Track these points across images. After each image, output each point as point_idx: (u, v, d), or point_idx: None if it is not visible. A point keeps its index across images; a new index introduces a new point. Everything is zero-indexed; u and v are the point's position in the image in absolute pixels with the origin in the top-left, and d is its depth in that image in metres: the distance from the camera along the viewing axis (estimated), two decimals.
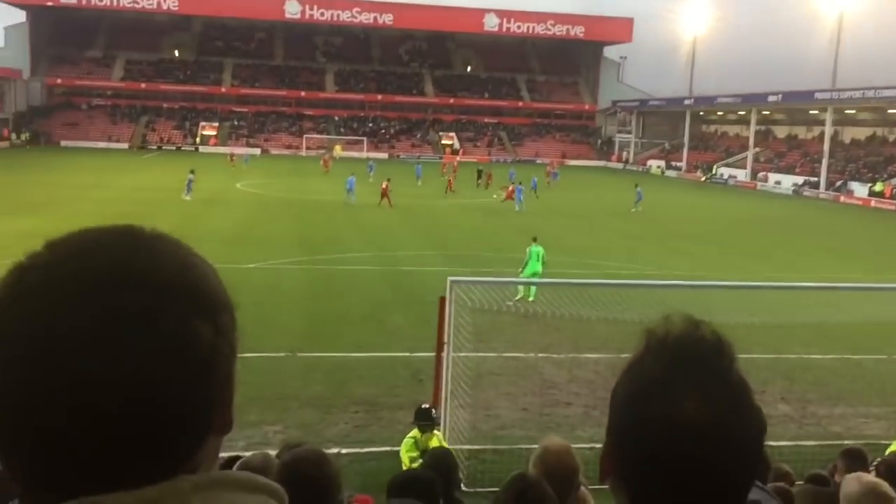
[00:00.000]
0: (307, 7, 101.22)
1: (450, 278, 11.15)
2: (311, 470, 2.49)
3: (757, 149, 79.84)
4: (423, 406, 9.27)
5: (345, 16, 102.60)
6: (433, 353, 11.24)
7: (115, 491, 0.85)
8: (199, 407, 0.90)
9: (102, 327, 0.85)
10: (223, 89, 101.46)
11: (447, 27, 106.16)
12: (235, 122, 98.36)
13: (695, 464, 1.14)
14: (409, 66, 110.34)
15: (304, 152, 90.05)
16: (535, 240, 21.26)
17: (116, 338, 0.85)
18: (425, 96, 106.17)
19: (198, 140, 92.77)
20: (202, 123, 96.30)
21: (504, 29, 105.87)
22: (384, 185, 41.24)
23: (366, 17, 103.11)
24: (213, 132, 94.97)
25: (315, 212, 38.16)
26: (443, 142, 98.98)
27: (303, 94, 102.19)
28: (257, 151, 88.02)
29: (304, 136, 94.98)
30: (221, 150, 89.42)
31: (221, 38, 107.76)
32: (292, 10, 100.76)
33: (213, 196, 40.47)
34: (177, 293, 0.89)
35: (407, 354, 15.55)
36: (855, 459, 5.79)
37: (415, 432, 8.83)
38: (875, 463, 6.84)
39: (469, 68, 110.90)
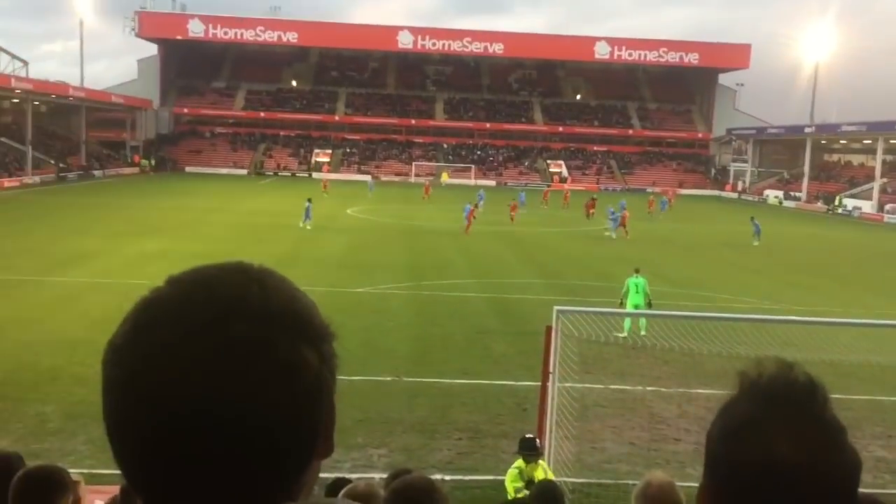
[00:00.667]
0: (419, 37, 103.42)
1: (556, 307, 11.04)
2: (421, 497, 2.51)
3: (884, 179, 75.89)
4: (527, 436, 9.17)
5: (456, 45, 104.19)
6: (538, 383, 11.13)
7: None
8: (307, 431, 0.97)
9: (222, 356, 0.92)
10: (337, 117, 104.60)
11: (557, 55, 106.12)
12: (348, 150, 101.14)
13: (787, 502, 1.15)
14: (518, 94, 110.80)
15: (412, 179, 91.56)
16: (637, 271, 20.64)
17: (235, 366, 0.92)
18: (534, 124, 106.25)
19: (311, 166, 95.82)
20: (316, 150, 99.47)
21: (615, 56, 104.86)
22: (471, 210, 41.38)
23: (476, 47, 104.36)
24: (327, 159, 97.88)
25: (423, 238, 38.63)
26: (551, 169, 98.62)
27: (413, 121, 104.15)
28: (376, 179, 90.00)
29: (414, 163, 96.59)
30: (333, 176, 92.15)
31: (336, 68, 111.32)
32: (405, 40, 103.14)
33: (324, 222, 41.62)
34: (286, 323, 0.96)
35: (512, 383, 15.46)
36: None
37: (519, 462, 8.74)
38: None
39: (579, 96, 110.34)
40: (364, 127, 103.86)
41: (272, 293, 0.98)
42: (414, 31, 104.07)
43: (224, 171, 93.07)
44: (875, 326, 15.31)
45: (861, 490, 1.27)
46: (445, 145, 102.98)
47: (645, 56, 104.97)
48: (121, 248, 30.12)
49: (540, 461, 8.89)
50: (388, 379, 15.36)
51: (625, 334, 18.63)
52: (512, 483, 8.55)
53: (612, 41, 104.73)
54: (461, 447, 12.15)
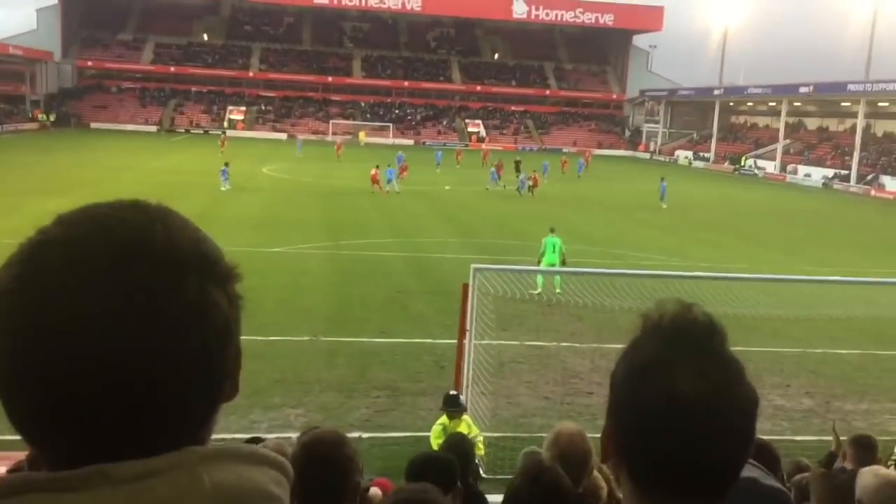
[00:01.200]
0: None
1: (473, 265, 11.14)
2: (329, 451, 2.51)
3: (787, 141, 78.86)
4: (450, 392, 9.28)
5: (373, 1, 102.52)
6: (455, 341, 11.26)
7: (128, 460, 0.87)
8: (217, 374, 0.93)
9: (126, 301, 0.86)
10: (251, 74, 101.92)
11: (475, 14, 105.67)
12: (263, 107, 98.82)
13: (692, 437, 1.19)
14: (436, 52, 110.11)
15: (330, 137, 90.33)
16: (552, 230, 20.92)
17: (141, 311, 0.86)
18: (452, 83, 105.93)
19: (225, 124, 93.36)
20: (230, 108, 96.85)
21: (532, 16, 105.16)
22: (373, 172, 40.75)
23: (394, 3, 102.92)
24: (241, 116, 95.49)
25: (341, 198, 38.28)
26: (469, 129, 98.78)
27: (330, 79, 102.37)
28: (295, 138, 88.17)
29: (331, 121, 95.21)
30: (247, 134, 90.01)
31: (250, 22, 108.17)
32: None
33: (241, 181, 40.70)
34: (195, 265, 0.91)
35: (430, 341, 15.59)
36: (864, 447, 5.77)
37: (443, 419, 8.86)
38: (895, 459, 6.79)
39: (496, 56, 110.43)
40: (279, 84, 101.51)
41: (177, 233, 0.92)
42: None
43: (132, 127, 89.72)
44: (775, 282, 16.00)
45: (758, 436, 1.33)
46: (363, 104, 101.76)
47: (562, 16, 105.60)
48: (20, 207, 28.81)
49: (464, 417, 9.05)
50: (306, 339, 15.28)
51: (539, 290, 18.99)
52: (436, 439, 8.67)
53: (529, 1, 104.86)
54: (379, 405, 12.23)
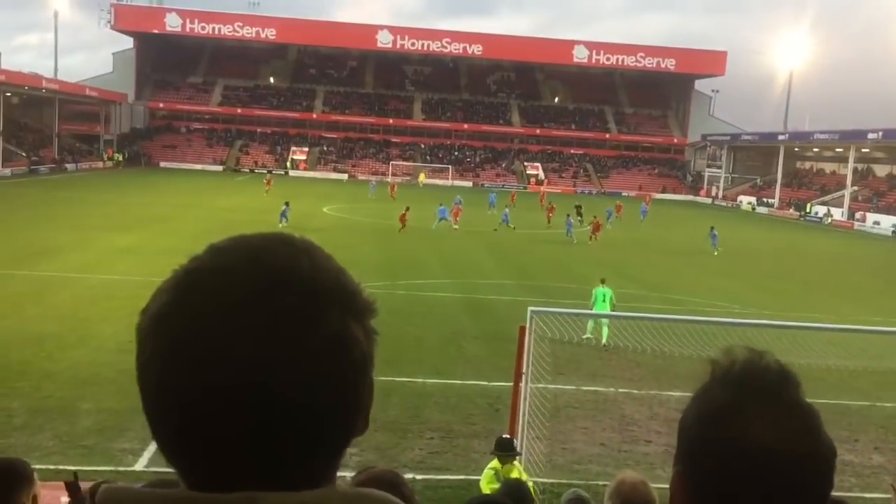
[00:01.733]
0: (398, 37, 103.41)
1: (530, 308, 11.08)
2: (387, 490, 2.50)
3: (855, 187, 76.99)
4: (504, 436, 9.16)
5: (435, 46, 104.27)
6: (510, 384, 11.15)
7: (271, 490, 0.88)
8: (353, 408, 0.95)
9: (271, 327, 0.87)
10: (314, 115, 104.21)
11: (536, 58, 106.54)
12: (325, 148, 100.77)
13: (767, 488, 1.14)
14: (496, 95, 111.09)
15: (389, 178, 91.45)
16: (603, 281, 20.17)
17: (285, 338, 0.88)
18: (511, 126, 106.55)
19: (288, 164, 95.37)
20: (293, 148, 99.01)
21: (593, 60, 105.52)
22: (403, 213, 40.71)
23: (455, 48, 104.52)
24: (303, 157, 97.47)
25: (398, 238, 38.59)
26: (527, 172, 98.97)
27: (391, 121, 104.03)
28: (380, 179, 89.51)
29: (391, 162, 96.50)
30: (310, 174, 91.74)
31: (315, 65, 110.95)
32: (384, 39, 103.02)
33: (301, 220, 41.42)
34: (337, 297, 0.94)
35: (484, 383, 15.48)
36: None
37: (495, 463, 8.73)
38: None
39: (556, 99, 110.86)
40: (341, 125, 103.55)
41: (321, 265, 0.95)
42: (393, 30, 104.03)
43: (199, 167, 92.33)
44: (842, 331, 15.52)
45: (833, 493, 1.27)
46: (423, 145, 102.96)
47: (622, 61, 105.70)
48: (92, 242, 29.77)
49: (515, 462, 8.90)
50: None
51: (588, 335, 18.60)
52: (488, 484, 8.54)
53: (590, 45, 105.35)
54: (433, 446, 12.15)
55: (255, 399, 0.86)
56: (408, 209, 41.41)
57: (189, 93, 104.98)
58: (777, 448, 1.15)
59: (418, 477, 10.67)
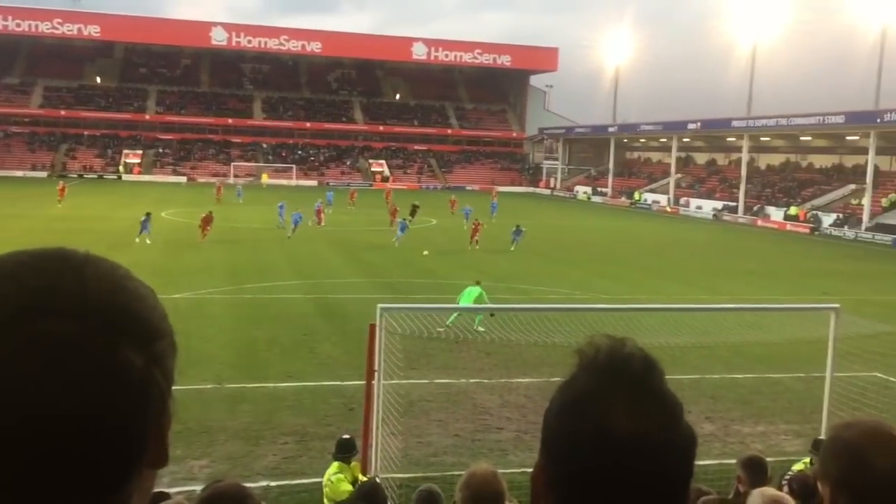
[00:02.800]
0: (234, 34, 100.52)
1: (379, 305, 11.12)
2: None
3: (678, 175, 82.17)
4: (344, 437, 9.14)
5: (272, 43, 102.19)
6: (364, 382, 11.16)
7: None
8: (129, 439, 0.86)
9: (25, 355, 0.81)
10: (147, 116, 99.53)
11: (375, 55, 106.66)
12: (160, 150, 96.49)
13: (626, 474, 1.13)
14: (338, 93, 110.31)
15: (231, 180, 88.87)
16: (478, 283, 20.35)
17: (40, 367, 0.81)
18: (355, 123, 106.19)
19: (121, 168, 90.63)
20: (125, 151, 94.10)
21: (432, 57, 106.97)
22: (205, 216, 37.32)
23: (294, 45, 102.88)
24: (137, 160, 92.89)
25: (242, 240, 37.60)
26: (372, 169, 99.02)
27: (230, 121, 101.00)
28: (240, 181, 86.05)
29: (232, 163, 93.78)
30: (145, 178, 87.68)
31: (146, 64, 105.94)
32: (219, 37, 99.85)
33: (137, 225, 39.47)
34: (105, 318, 0.85)
35: (338, 383, 15.41)
36: (755, 469, 5.99)
37: (337, 466, 8.66)
38: (787, 479, 7.08)
39: (398, 96, 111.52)
40: (177, 126, 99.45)
41: (91, 283, 0.86)
42: (228, 27, 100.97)
43: (20, 173, 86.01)
44: (672, 311, 16.58)
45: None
46: (265, 145, 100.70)
47: (461, 57, 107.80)
48: None
49: (354, 462, 8.90)
50: (209, 386, 14.85)
51: (448, 324, 18.85)
52: (340, 484, 8.49)
53: (428, 42, 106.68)
54: (287, 451, 11.97)
55: (5, 435, 0.79)
56: (210, 213, 37.92)
57: (5, 94, 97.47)
58: (637, 437, 1.14)
59: (273, 484, 10.49)
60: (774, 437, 13.55)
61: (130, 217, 38.68)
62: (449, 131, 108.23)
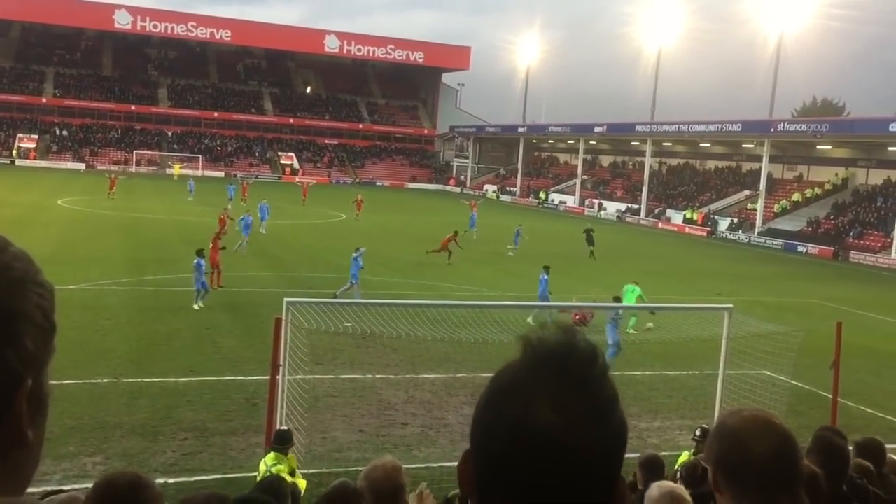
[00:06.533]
0: (139, 18, 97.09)
1: (286, 299, 10.98)
2: (126, 493, 2.36)
3: (584, 176, 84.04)
4: (281, 428, 9.14)
5: (180, 29, 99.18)
6: (268, 377, 11.01)
7: None
8: None
9: None
10: (44, 99, 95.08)
11: (287, 46, 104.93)
12: (58, 134, 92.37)
13: (544, 468, 1.09)
14: (247, 83, 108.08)
15: (133, 168, 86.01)
16: (636, 282, 22.01)
17: None
18: (264, 115, 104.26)
19: (14, 153, 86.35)
20: (20, 135, 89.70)
21: (345, 51, 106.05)
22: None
23: (202, 32, 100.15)
24: (32, 145, 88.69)
25: (144, 231, 36.45)
26: (282, 161, 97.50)
27: (133, 107, 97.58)
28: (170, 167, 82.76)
29: (135, 151, 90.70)
30: (41, 164, 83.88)
31: (43, 44, 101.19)
32: (123, 20, 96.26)
33: (32, 213, 37.78)
34: None
35: (241, 378, 15.14)
36: (650, 468, 6.22)
37: (271, 457, 8.60)
38: (677, 469, 7.39)
39: (309, 89, 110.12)
40: (77, 111, 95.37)
41: None
42: (133, 10, 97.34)
43: None
44: (575, 309, 16.94)
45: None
46: (170, 133, 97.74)
47: (374, 52, 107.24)
48: None
49: (291, 454, 8.94)
50: (105, 381, 14.35)
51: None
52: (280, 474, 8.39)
53: (341, 36, 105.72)
54: (186, 447, 11.68)
55: None
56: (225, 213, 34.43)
57: None
58: (551, 432, 1.10)
59: (171, 481, 10.22)
60: (670, 432, 14.03)
61: (23, 203, 36.92)
62: (360, 126, 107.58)
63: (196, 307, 21.10)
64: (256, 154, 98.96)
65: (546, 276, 22.98)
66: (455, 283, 27.13)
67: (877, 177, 59.62)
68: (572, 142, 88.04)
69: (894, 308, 29.76)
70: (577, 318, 21.29)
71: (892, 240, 50.43)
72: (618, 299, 19.98)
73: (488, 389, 1.17)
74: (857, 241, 53.34)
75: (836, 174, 63.13)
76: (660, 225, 67.45)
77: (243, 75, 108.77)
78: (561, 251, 40.64)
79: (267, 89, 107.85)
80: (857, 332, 19.96)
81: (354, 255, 23.25)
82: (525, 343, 1.18)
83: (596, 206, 76.85)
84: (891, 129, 51.70)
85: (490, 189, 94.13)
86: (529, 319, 19.12)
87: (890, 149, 54.81)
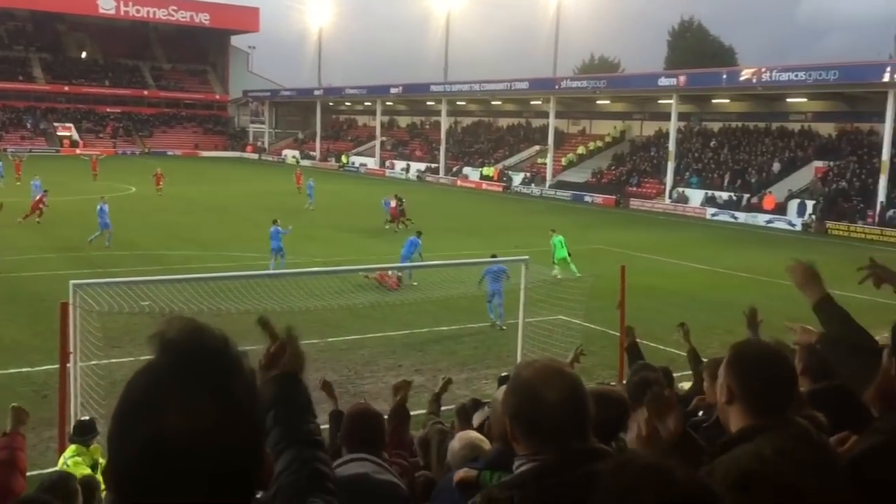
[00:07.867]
0: None
1: (72, 282, 10.27)
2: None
3: (383, 138, 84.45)
4: (83, 419, 8.54)
5: None
6: (58, 366, 10.28)
7: None
8: None
9: None
10: None
11: (55, 8, 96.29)
12: None
13: (176, 477, 1.09)
14: (12, 49, 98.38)
15: None
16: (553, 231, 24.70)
17: None
18: (34, 83, 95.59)
19: None
20: None
21: (122, 12, 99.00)
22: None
23: None
24: None
25: None
26: (59, 133, 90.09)
27: None
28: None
29: None
30: None
31: None
32: None
33: None
34: None
35: (28, 369, 14.08)
36: (463, 418, 6.52)
37: (73, 449, 8.04)
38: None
39: (84, 53, 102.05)
40: None
41: None
42: None
43: None
44: (379, 270, 17.11)
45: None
46: None
47: (154, 13, 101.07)
48: None
49: (95, 444, 8.39)
50: None
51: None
52: (78, 468, 7.82)
53: None
54: None
55: None
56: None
57: None
58: (189, 439, 1.10)
59: None
60: (477, 382, 14.62)
61: None
62: (145, 92, 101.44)
63: None
64: (28, 126, 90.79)
65: (415, 239, 23.63)
66: (257, 253, 26.52)
67: (649, 128, 64.41)
68: (369, 104, 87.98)
69: (671, 249, 32.55)
70: (383, 279, 21.49)
71: (665, 186, 54.91)
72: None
73: (122, 400, 1.17)
74: (635, 189, 57.58)
75: (615, 127, 67.56)
76: (458, 183, 69.25)
77: (7, 40, 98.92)
78: (364, 216, 40.79)
79: (35, 55, 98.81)
80: (639, 273, 21.64)
81: (276, 229, 24.26)
82: (155, 343, 1.18)
83: (398, 168, 77.57)
84: (660, 83, 56.04)
85: (290, 154, 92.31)
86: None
87: (660, 102, 59.30)
